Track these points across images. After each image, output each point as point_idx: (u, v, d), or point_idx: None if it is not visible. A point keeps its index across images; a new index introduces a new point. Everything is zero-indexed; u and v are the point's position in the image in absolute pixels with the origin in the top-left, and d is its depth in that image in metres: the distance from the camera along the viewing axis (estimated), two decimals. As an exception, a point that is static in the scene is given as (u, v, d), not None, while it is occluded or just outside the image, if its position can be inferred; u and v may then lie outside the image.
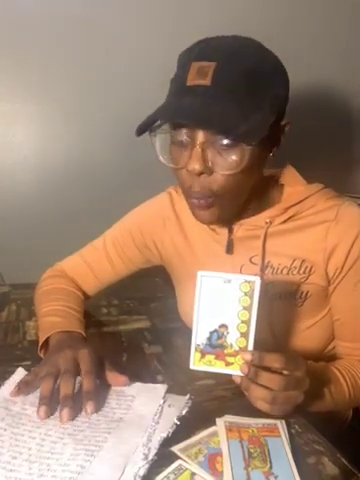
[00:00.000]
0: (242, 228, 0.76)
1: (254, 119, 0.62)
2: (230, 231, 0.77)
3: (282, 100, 0.68)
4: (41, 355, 0.73)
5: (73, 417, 0.57)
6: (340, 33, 1.35)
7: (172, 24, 1.21)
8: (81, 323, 0.79)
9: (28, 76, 1.16)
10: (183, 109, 0.62)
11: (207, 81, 0.61)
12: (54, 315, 0.79)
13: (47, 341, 0.73)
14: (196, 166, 0.63)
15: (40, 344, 0.73)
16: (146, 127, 0.65)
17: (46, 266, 0.95)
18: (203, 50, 0.64)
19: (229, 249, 0.78)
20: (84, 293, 0.92)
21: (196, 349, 0.58)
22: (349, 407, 0.86)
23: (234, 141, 0.62)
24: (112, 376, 0.65)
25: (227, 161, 0.64)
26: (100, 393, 0.62)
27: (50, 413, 0.58)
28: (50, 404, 0.58)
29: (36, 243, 1.23)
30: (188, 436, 0.55)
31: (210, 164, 0.64)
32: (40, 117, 1.21)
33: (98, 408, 0.59)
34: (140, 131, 0.65)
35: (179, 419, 0.56)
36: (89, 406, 0.58)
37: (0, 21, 1.11)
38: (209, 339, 0.57)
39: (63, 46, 1.16)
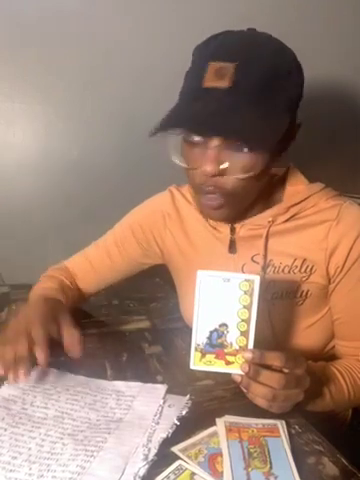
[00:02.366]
0: (244, 227, 0.76)
1: (270, 124, 0.61)
2: (232, 230, 0.77)
3: (298, 98, 0.67)
4: None
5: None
6: (344, 31, 1.35)
7: (173, 24, 1.21)
8: (63, 296, 0.83)
9: (28, 75, 1.16)
10: (198, 116, 0.61)
11: (225, 83, 0.59)
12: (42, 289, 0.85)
13: None
14: (209, 168, 0.62)
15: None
16: (159, 131, 0.63)
17: (46, 266, 0.95)
18: (221, 48, 0.62)
19: (231, 248, 0.78)
20: (84, 290, 0.93)
21: (196, 349, 0.57)
22: (348, 407, 0.86)
23: (249, 149, 0.62)
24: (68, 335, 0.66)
25: (241, 165, 0.63)
26: (100, 393, 0.62)
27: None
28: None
29: (36, 243, 1.23)
30: (188, 436, 0.55)
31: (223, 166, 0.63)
32: (40, 116, 1.21)
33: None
34: (153, 134, 0.63)
35: (179, 419, 0.56)
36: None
37: (0, 20, 1.11)
38: (209, 338, 0.57)
39: (63, 45, 1.16)
